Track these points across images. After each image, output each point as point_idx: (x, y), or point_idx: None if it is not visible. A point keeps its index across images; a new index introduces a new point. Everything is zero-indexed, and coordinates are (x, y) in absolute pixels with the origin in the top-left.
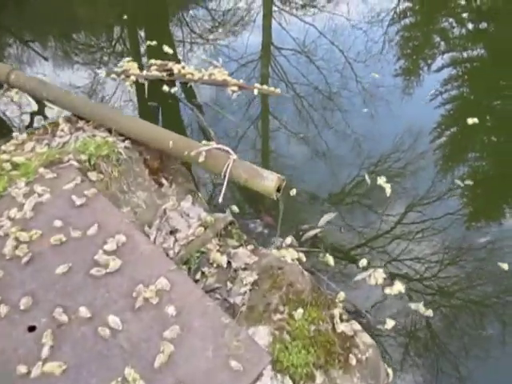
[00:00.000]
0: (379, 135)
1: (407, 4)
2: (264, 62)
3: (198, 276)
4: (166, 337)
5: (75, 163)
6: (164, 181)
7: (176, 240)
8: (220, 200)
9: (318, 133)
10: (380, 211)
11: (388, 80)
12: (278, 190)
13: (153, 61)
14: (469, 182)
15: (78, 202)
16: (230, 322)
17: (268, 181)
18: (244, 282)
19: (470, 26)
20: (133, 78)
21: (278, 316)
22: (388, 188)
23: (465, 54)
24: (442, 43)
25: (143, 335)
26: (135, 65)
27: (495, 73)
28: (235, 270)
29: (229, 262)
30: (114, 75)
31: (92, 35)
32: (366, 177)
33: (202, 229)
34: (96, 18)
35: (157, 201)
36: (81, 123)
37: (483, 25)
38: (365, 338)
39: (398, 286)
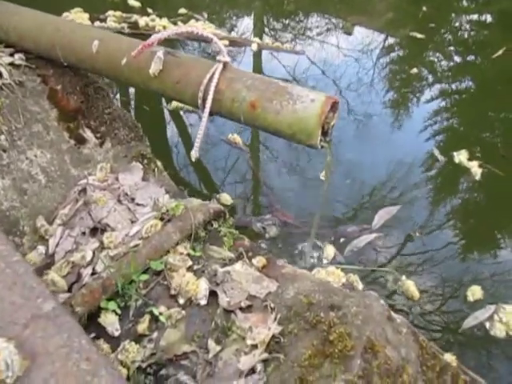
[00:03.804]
0: (372, 164)
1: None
2: None
3: (143, 326)
4: None
5: None
6: (89, 133)
7: (103, 246)
8: (194, 153)
9: (310, 161)
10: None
11: (379, 109)
12: (324, 131)
13: (111, 12)
14: None
15: None
16: None
17: (305, 103)
18: (249, 342)
19: (458, 58)
20: None
21: None
22: (476, 167)
23: (453, 86)
24: (431, 75)
25: None
26: (85, 15)
27: (484, 104)
28: (227, 312)
29: (213, 294)
30: None
31: None
32: (437, 153)
33: (159, 223)
34: None
35: (71, 170)
36: None
37: (471, 57)
38: None
39: None
